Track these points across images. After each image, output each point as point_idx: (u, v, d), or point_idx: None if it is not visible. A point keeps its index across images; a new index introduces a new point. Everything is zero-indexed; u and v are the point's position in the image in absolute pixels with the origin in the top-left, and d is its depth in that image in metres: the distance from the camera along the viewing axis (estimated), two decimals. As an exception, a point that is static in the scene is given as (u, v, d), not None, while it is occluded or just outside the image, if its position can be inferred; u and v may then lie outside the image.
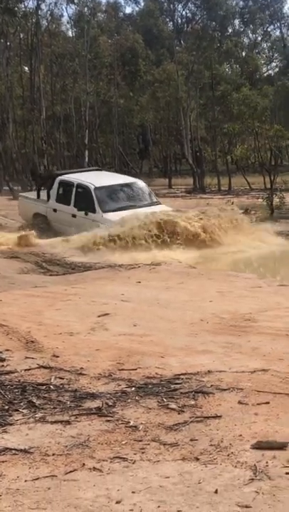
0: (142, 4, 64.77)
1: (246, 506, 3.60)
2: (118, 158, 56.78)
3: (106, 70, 55.13)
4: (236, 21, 63.52)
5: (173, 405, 5.06)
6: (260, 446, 4.27)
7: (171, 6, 58.74)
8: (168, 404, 5.08)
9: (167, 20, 63.47)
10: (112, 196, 17.76)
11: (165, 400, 5.19)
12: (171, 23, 61.31)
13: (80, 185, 18.07)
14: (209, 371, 5.89)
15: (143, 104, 54.33)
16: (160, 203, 19.03)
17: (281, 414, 4.83)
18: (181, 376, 5.77)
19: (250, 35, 66.64)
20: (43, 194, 19.65)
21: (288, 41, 58.77)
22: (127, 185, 18.82)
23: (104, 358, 6.42)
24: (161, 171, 63.42)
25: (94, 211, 17.18)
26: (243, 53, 63.22)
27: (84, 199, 17.58)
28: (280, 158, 47.21)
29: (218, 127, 48.57)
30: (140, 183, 19.48)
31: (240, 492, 3.73)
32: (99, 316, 8.57)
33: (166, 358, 6.42)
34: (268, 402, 5.06)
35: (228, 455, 4.19)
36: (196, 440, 4.42)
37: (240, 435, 4.47)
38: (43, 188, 20.25)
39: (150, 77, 53.80)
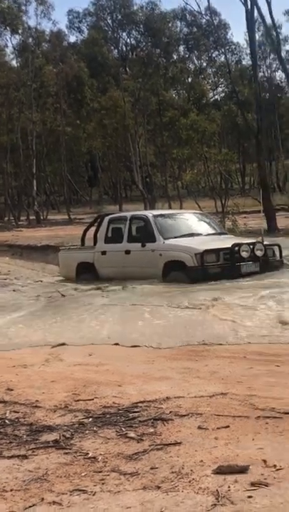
0: (86, 33, 65.29)
1: (210, 533, 3.54)
2: (67, 186, 56.85)
3: (52, 99, 55.32)
4: (181, 48, 64.55)
5: (132, 434, 4.98)
6: (221, 470, 4.21)
7: (115, 34, 59.34)
8: (127, 434, 5.00)
9: (112, 48, 64.09)
10: (172, 224, 15.72)
11: (124, 429, 5.11)
12: (116, 50, 61.93)
13: (135, 217, 16.17)
14: (168, 397, 5.82)
15: (90, 132, 54.58)
16: (228, 234, 17.10)
17: (241, 437, 4.79)
18: (139, 404, 5.69)
19: (196, 61, 67.77)
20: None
21: (233, 66, 59.65)
22: (188, 214, 17.26)
23: (60, 390, 6.32)
24: (111, 198, 63.66)
25: (153, 240, 14.85)
26: (189, 79, 64.09)
27: (140, 230, 15.53)
28: (230, 181, 47.78)
29: (167, 153, 49.02)
30: (201, 213, 18.36)
31: (204, 519, 3.67)
32: (53, 347, 8.48)
33: (124, 386, 6.34)
34: (227, 426, 5.01)
35: (189, 481, 4.12)
36: (157, 468, 4.34)
37: (201, 461, 4.41)
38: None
39: (96, 105, 54.15)
